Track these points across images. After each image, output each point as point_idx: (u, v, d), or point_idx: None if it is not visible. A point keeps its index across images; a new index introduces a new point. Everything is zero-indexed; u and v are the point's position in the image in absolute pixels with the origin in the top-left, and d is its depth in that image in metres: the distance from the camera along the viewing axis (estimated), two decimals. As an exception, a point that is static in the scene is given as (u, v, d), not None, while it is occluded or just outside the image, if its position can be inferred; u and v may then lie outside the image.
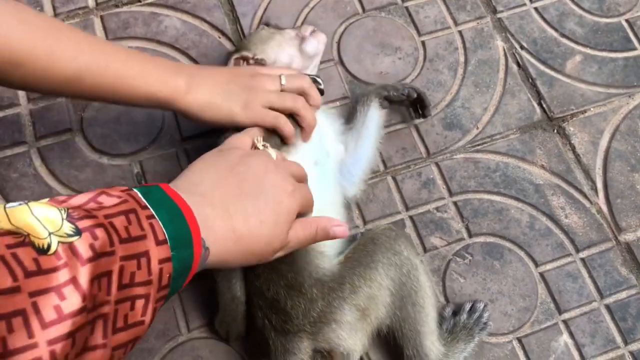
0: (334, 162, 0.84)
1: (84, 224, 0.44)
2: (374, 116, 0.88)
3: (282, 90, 0.78)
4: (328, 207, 0.79)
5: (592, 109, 0.98)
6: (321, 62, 0.97)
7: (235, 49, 0.91)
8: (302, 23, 1.00)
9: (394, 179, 0.91)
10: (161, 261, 0.49)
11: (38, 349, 0.38)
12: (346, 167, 0.85)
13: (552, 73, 0.99)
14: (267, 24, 0.95)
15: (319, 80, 0.84)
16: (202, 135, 0.91)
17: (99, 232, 0.44)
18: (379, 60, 0.99)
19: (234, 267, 0.61)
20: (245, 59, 0.83)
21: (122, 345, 0.46)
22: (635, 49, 1.02)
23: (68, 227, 0.43)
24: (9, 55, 0.65)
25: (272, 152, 0.69)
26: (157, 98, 0.73)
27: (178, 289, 0.53)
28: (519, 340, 0.83)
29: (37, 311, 0.38)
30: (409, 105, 0.93)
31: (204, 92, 0.75)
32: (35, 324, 0.38)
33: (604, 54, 1.02)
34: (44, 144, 0.91)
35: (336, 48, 0.99)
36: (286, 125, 0.76)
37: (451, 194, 0.91)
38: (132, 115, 0.92)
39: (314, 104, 0.81)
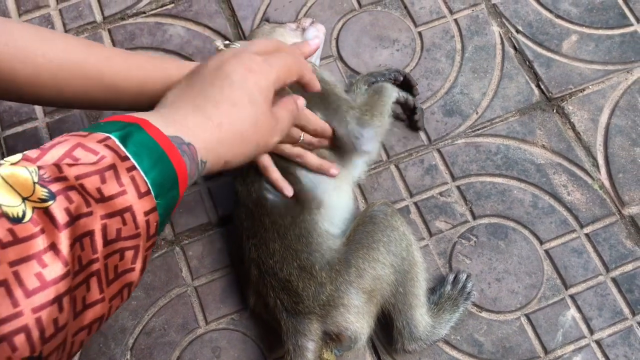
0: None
1: (56, 187, 0.42)
2: None
3: None
4: (342, 178, 0.83)
5: (590, 87, 0.99)
6: (321, 59, 1.00)
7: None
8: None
9: (397, 167, 0.94)
10: (147, 213, 0.48)
11: (24, 317, 0.38)
12: None
13: (549, 54, 1.01)
14: (268, 20, 1.00)
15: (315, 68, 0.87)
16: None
17: (73, 194, 0.42)
18: (377, 53, 1.02)
19: (239, 162, 0.59)
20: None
21: (117, 294, 0.47)
22: (631, 24, 1.03)
23: (41, 192, 0.41)
24: (99, 80, 0.70)
25: (237, 44, 0.67)
26: None
27: (165, 225, 0.53)
28: (527, 316, 0.85)
29: (19, 280, 0.38)
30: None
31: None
32: (18, 292, 0.38)
33: (600, 31, 1.03)
34: (61, 154, 0.95)
35: (335, 44, 1.02)
36: None
37: (454, 178, 0.93)
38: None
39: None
